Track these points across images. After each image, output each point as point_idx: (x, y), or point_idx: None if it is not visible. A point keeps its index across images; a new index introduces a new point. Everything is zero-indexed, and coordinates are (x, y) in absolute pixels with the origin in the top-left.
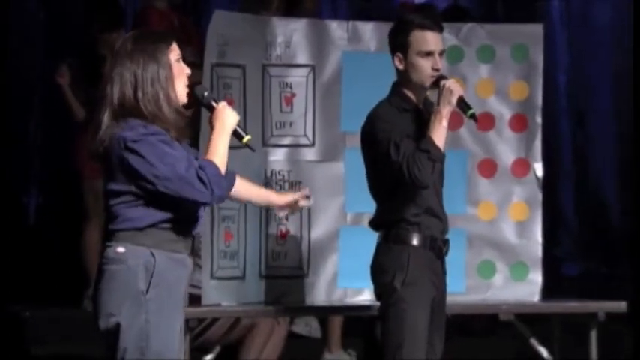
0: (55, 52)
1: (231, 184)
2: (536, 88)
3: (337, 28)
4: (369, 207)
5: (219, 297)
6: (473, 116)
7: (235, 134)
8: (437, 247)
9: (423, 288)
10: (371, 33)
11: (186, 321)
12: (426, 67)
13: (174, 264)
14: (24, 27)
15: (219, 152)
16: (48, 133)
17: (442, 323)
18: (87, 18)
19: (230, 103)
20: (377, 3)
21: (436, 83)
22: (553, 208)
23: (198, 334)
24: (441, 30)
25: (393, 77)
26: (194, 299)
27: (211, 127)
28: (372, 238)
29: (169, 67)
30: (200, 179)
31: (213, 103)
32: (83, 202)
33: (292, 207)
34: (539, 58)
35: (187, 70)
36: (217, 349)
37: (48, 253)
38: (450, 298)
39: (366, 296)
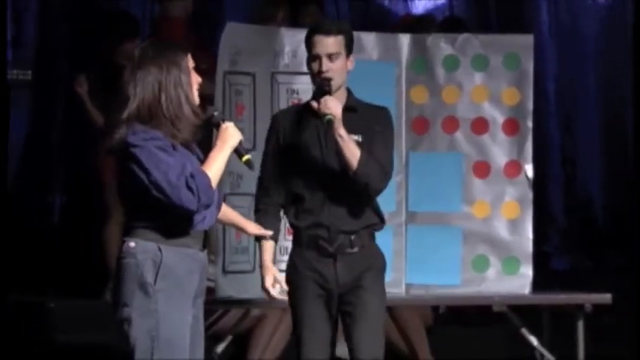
0: (77, 59)
1: (220, 204)
2: (527, 95)
3: None
4: None
5: (230, 290)
6: (329, 121)
7: (236, 152)
8: (319, 246)
9: (297, 286)
10: (373, 43)
11: None
12: (315, 71)
13: (183, 258)
14: (49, 36)
15: (214, 166)
16: (71, 137)
17: (360, 312)
18: (104, 29)
19: (241, 109)
20: (379, 15)
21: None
22: (543, 206)
23: (211, 324)
24: (331, 33)
25: (393, 84)
26: (207, 292)
27: (214, 144)
28: None
29: (189, 71)
30: (189, 187)
31: (221, 122)
32: (104, 201)
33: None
34: (529, 67)
35: (199, 79)
36: (229, 338)
37: (71, 249)
38: (445, 291)
39: None
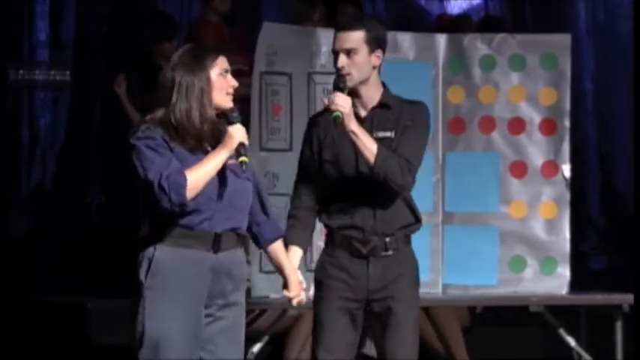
0: (116, 60)
1: (277, 230)
2: (564, 94)
3: None
4: None
5: (267, 290)
6: (336, 118)
7: (236, 151)
8: (353, 247)
9: (324, 287)
10: (409, 43)
11: None
12: (336, 66)
13: (178, 258)
14: (87, 37)
15: (201, 168)
16: (109, 138)
17: (391, 323)
18: (142, 29)
19: (278, 109)
20: (415, 15)
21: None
22: (580, 206)
23: (247, 324)
24: (348, 28)
25: (429, 84)
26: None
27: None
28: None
29: (207, 80)
30: (160, 186)
31: (233, 123)
32: (141, 200)
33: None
34: (567, 66)
35: (233, 83)
36: (266, 338)
37: (108, 249)
38: (482, 291)
39: None
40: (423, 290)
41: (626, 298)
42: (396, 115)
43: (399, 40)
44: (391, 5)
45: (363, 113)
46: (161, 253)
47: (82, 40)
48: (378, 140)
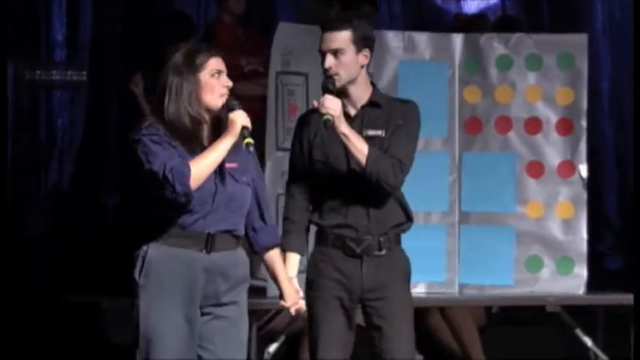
0: (132, 60)
1: (274, 238)
2: (581, 94)
3: (394, 38)
4: (422, 206)
5: None
6: (327, 121)
7: (241, 135)
8: (346, 246)
9: (317, 286)
10: (425, 43)
11: (253, 312)
12: (323, 67)
13: (170, 257)
14: (104, 37)
15: (205, 158)
16: (126, 137)
17: (386, 323)
18: (159, 29)
19: (294, 109)
20: (431, 15)
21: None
22: (597, 206)
23: (263, 324)
24: (334, 29)
25: (446, 84)
26: (260, 292)
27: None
28: (408, 237)
29: (196, 82)
30: (165, 176)
31: (234, 110)
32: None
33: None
34: (583, 66)
35: (227, 84)
36: (282, 338)
37: (123, 249)
38: (499, 291)
39: (420, 289)
40: (439, 290)
41: None
42: (387, 114)
43: (415, 40)
44: (408, 4)
45: (352, 112)
46: (154, 252)
47: (98, 41)
48: (368, 139)
